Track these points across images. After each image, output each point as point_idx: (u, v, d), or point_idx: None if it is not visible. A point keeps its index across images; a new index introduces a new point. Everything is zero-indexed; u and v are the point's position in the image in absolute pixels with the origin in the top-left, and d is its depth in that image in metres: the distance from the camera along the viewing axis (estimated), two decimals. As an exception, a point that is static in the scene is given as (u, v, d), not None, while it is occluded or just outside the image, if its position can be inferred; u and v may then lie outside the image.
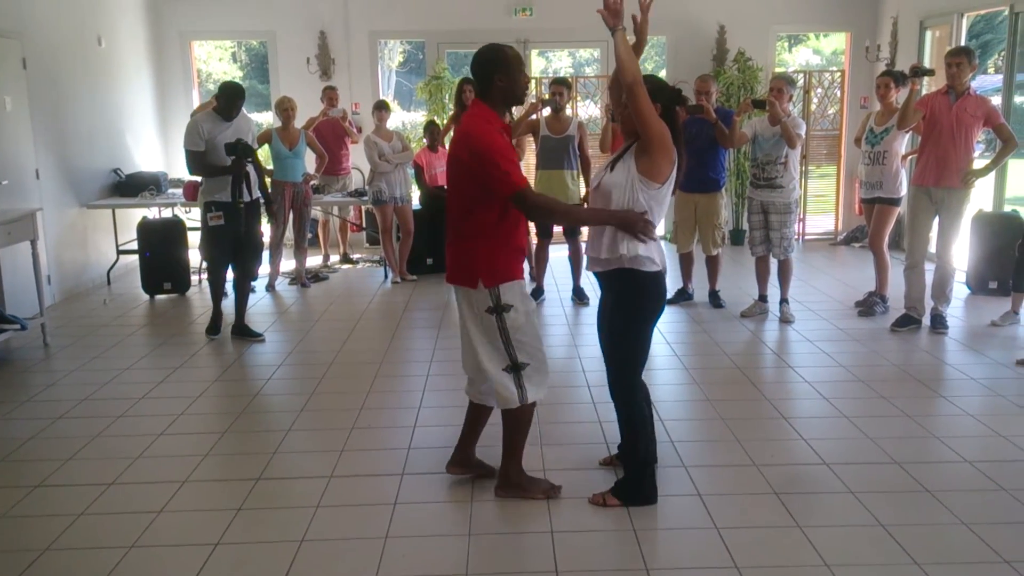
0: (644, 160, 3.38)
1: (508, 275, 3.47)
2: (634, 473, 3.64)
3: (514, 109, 8.37)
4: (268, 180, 7.90)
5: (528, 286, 3.63)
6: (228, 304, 6.75)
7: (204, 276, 8.22)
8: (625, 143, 3.58)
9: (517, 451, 3.71)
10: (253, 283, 7.29)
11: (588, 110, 10.54)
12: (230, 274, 6.55)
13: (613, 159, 3.56)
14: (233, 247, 6.29)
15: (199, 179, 6.86)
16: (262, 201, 6.52)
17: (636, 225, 3.36)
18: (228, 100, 6.15)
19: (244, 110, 6.39)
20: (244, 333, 6.44)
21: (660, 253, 3.50)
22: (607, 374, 3.68)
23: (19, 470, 4.15)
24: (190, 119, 6.27)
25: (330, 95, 8.97)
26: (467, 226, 3.47)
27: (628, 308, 3.51)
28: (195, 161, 6.13)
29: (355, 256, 9.65)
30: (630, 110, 3.34)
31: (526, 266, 4.73)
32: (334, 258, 9.53)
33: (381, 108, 8.33)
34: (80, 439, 4.48)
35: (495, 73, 3.42)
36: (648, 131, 3.33)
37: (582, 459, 4.13)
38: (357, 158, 9.46)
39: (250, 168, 6.19)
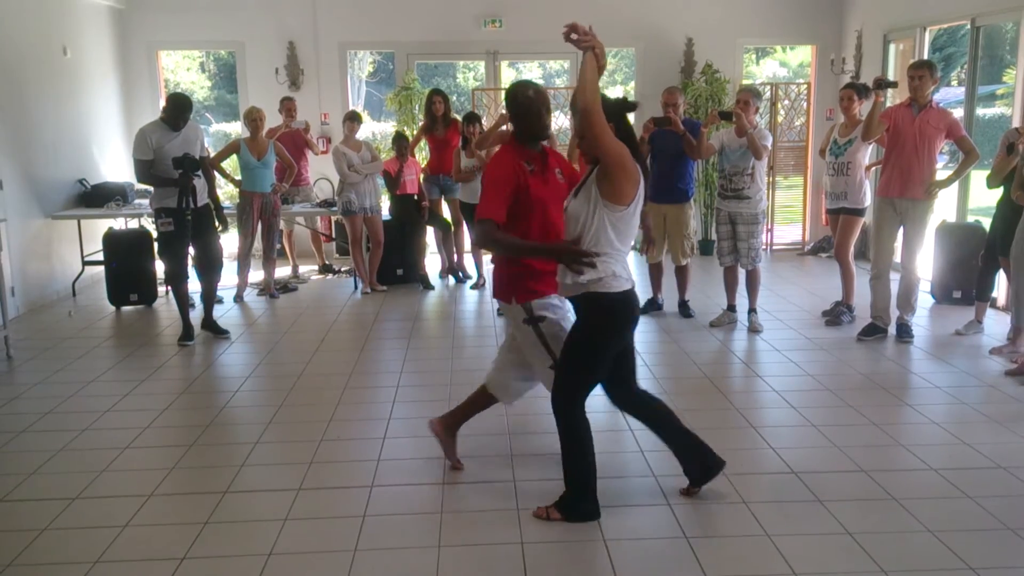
0: (606, 185, 3.38)
1: (538, 293, 3.73)
2: (574, 491, 3.63)
3: (483, 120, 8.43)
4: (237, 190, 7.87)
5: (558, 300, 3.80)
6: (195, 315, 6.71)
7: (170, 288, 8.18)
8: (588, 167, 3.60)
9: None
10: (220, 294, 7.33)
11: (558, 121, 10.58)
12: (195, 285, 6.57)
13: (578, 184, 3.59)
14: (186, 254, 6.48)
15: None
16: (212, 207, 6.60)
17: (568, 258, 3.40)
18: (175, 111, 6.31)
19: (193, 120, 6.54)
20: (212, 329, 6.66)
21: (623, 268, 3.49)
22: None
23: (-20, 485, 4.08)
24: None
25: (288, 106, 8.93)
26: None
27: (591, 327, 3.53)
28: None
29: (337, 267, 9.55)
30: (586, 136, 3.35)
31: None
32: (304, 268, 9.48)
33: (352, 119, 8.31)
34: (44, 453, 4.41)
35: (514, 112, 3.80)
36: (607, 156, 3.34)
37: (554, 469, 4.12)
38: (325, 168, 9.43)
39: (197, 182, 6.32)
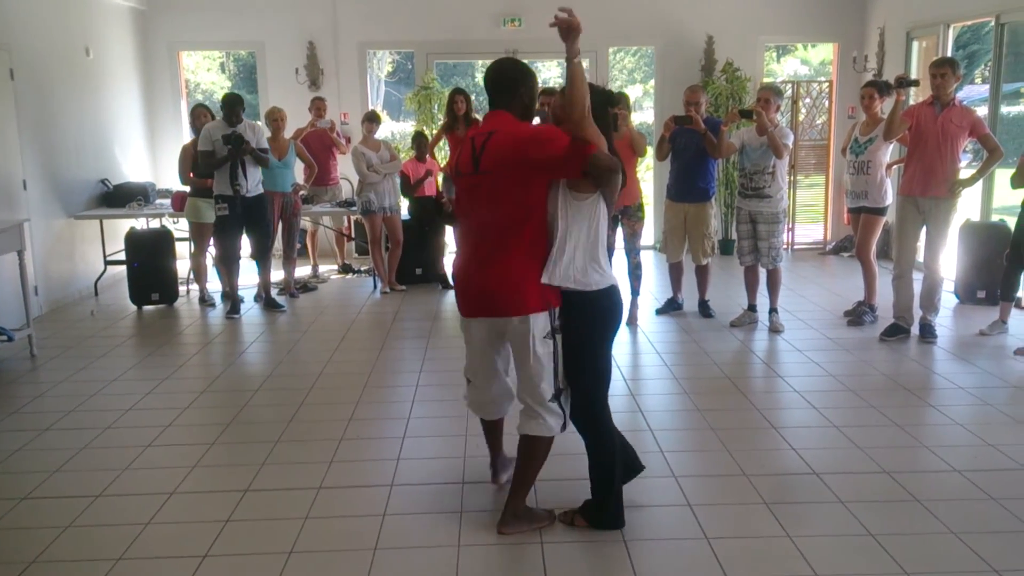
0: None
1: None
2: (604, 497, 3.54)
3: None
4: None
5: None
6: (215, 314, 6.75)
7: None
8: None
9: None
10: (240, 294, 7.47)
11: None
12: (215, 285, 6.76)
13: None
14: (238, 236, 7.33)
15: (187, 189, 7.79)
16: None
17: None
18: (226, 107, 7.16)
19: (253, 121, 7.48)
20: (270, 306, 7.60)
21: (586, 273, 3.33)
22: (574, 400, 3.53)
23: (5, 482, 4.12)
24: (203, 128, 7.30)
25: (318, 105, 8.98)
26: None
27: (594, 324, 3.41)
28: (206, 159, 7.18)
29: (357, 266, 9.58)
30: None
31: None
32: (325, 268, 9.51)
33: (371, 120, 8.32)
34: (67, 451, 4.45)
35: (520, 86, 3.41)
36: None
37: (571, 470, 4.11)
38: (346, 168, 9.46)
39: (250, 172, 7.17)
